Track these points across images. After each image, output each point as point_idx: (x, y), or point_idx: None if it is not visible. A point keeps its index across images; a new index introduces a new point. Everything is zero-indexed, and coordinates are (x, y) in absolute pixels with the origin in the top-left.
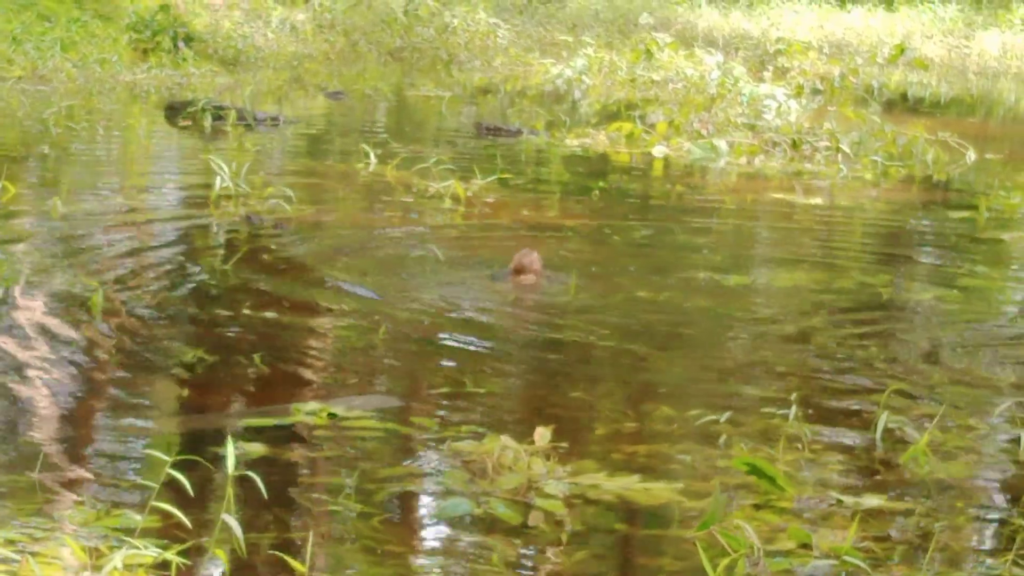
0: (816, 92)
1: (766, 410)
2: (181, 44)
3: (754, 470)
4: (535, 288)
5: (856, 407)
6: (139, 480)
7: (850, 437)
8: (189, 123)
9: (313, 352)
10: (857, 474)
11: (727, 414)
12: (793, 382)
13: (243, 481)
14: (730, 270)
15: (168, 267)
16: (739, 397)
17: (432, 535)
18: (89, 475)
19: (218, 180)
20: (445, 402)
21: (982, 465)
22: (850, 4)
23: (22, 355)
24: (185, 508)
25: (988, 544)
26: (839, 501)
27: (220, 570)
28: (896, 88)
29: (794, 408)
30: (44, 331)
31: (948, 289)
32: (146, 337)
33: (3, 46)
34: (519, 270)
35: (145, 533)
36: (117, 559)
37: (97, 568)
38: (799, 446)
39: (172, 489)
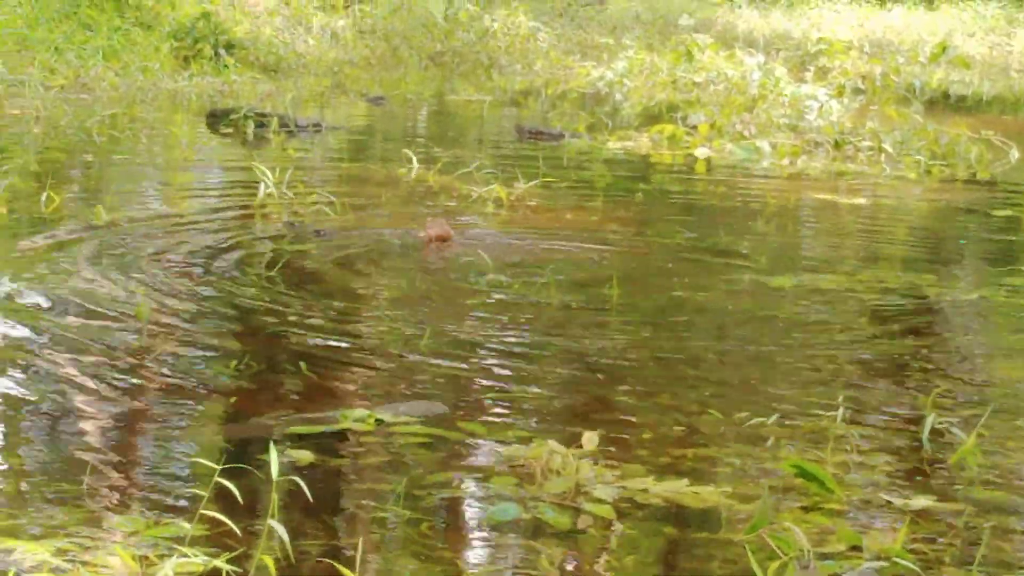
0: (858, 92)
1: (813, 412)
2: (222, 51)
3: (802, 472)
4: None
5: (903, 408)
6: (188, 489)
7: (898, 438)
8: (231, 130)
9: (358, 358)
10: (906, 475)
11: (774, 417)
12: (840, 383)
13: (292, 489)
14: (774, 271)
15: (212, 274)
16: (786, 399)
17: (481, 540)
18: (137, 484)
19: (261, 187)
20: (492, 407)
21: None
22: (891, 3)
23: (68, 364)
24: (234, 516)
25: None
26: (888, 503)
27: None
28: (938, 87)
29: (841, 410)
30: (90, 339)
31: (994, 288)
32: (192, 345)
33: (46, 55)
34: (440, 238)
35: (195, 541)
36: (168, 567)
37: None
38: (847, 448)
39: (221, 497)
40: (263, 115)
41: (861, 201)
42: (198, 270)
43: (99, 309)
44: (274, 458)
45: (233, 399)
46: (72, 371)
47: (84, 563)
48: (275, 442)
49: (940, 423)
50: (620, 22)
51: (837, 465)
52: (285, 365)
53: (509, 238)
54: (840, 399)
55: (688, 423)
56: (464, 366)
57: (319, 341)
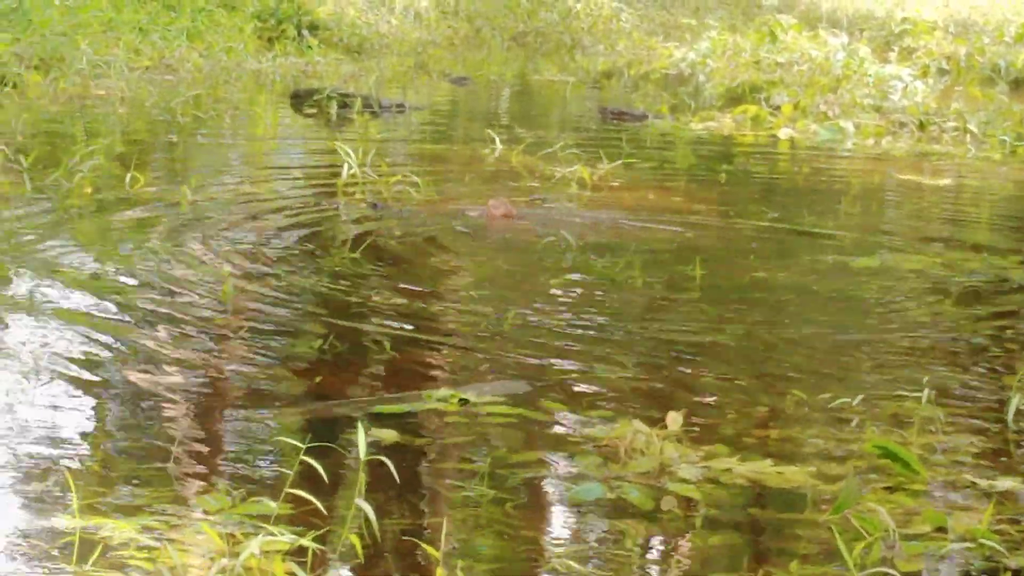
0: (942, 72)
1: (898, 393)
2: (306, 32)
3: (887, 453)
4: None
5: (988, 389)
6: (273, 467)
7: (983, 419)
8: (315, 111)
9: (442, 338)
10: (991, 456)
11: (859, 397)
12: (924, 364)
13: (376, 468)
14: (858, 252)
15: (296, 254)
16: (870, 380)
17: (564, 520)
18: (223, 462)
19: (345, 167)
20: (575, 387)
21: None
22: None
23: (153, 344)
24: (319, 495)
25: None
26: (973, 483)
27: (353, 555)
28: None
29: (926, 391)
30: (175, 319)
31: None
32: (276, 324)
33: (130, 36)
34: (505, 216)
35: (280, 520)
36: (254, 545)
37: (234, 554)
38: (932, 429)
39: (306, 476)
40: (346, 95)
41: (946, 182)
42: (282, 250)
43: (183, 289)
44: (362, 438)
45: (317, 379)
46: (156, 351)
47: (171, 541)
48: (360, 422)
49: None
50: (703, 3)
51: (922, 446)
52: (369, 345)
53: (593, 216)
54: (925, 380)
55: (772, 403)
56: (547, 346)
57: (402, 321)
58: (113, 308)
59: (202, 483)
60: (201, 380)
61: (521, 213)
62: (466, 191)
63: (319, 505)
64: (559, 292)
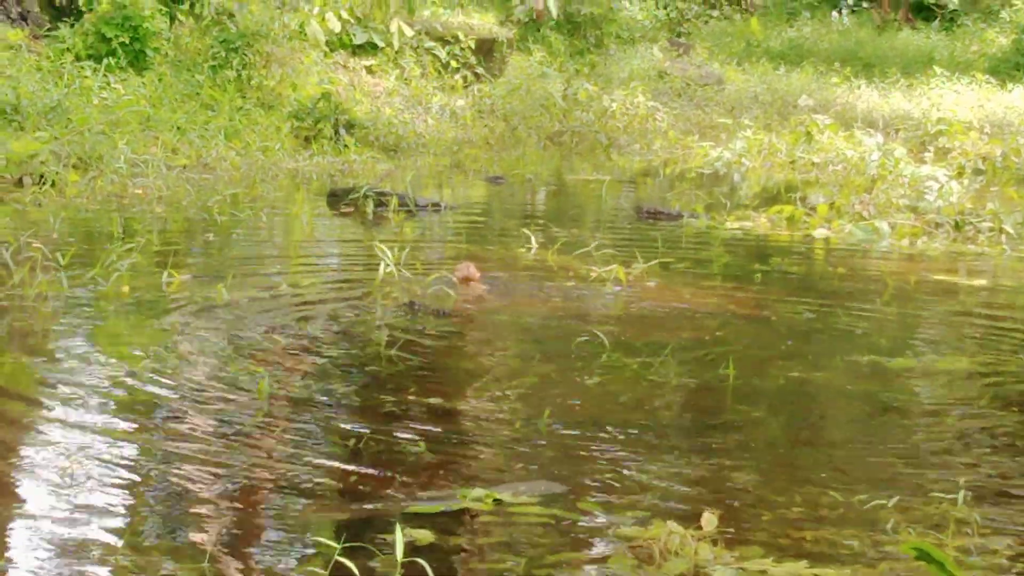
0: (978, 172)
1: (934, 494)
2: (342, 131)
3: (923, 555)
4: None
5: None
6: (308, 568)
7: (1019, 521)
8: (351, 210)
9: (478, 437)
10: None
11: (894, 499)
12: (960, 466)
13: (411, 568)
14: (893, 353)
15: (332, 353)
16: (906, 481)
17: None
18: (257, 563)
19: (381, 266)
20: (610, 487)
21: None
22: (1011, 83)
23: (188, 442)
24: None
25: None
26: None
27: None
28: None
29: (962, 492)
30: (211, 417)
31: None
32: (312, 423)
33: (168, 136)
34: (465, 279)
35: None
36: None
37: None
38: (968, 531)
39: None
40: (383, 194)
41: (981, 282)
42: (317, 349)
43: (219, 387)
44: (399, 538)
45: (353, 478)
46: (192, 449)
47: None
48: (395, 522)
49: None
50: (739, 102)
51: (958, 548)
52: (404, 444)
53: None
54: (961, 481)
55: (807, 505)
56: (582, 445)
57: (437, 420)
58: (148, 407)
59: None
60: (236, 479)
61: (485, 279)
62: (502, 290)
63: None
64: (595, 390)
